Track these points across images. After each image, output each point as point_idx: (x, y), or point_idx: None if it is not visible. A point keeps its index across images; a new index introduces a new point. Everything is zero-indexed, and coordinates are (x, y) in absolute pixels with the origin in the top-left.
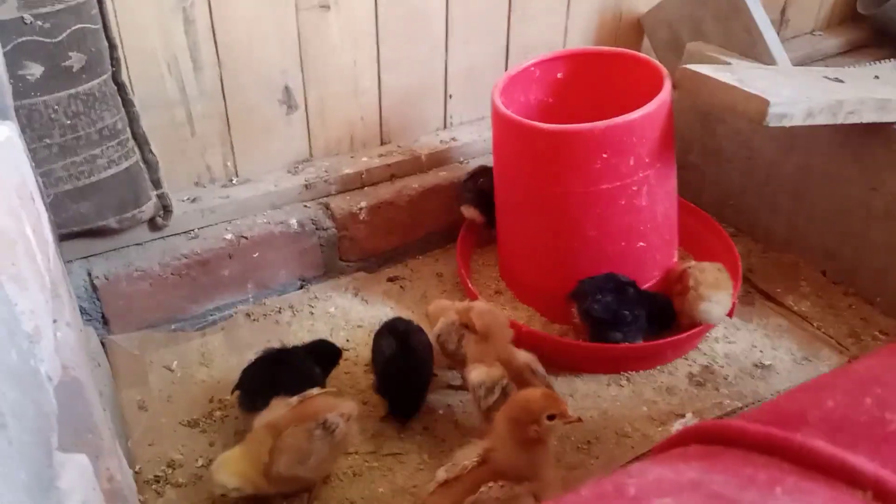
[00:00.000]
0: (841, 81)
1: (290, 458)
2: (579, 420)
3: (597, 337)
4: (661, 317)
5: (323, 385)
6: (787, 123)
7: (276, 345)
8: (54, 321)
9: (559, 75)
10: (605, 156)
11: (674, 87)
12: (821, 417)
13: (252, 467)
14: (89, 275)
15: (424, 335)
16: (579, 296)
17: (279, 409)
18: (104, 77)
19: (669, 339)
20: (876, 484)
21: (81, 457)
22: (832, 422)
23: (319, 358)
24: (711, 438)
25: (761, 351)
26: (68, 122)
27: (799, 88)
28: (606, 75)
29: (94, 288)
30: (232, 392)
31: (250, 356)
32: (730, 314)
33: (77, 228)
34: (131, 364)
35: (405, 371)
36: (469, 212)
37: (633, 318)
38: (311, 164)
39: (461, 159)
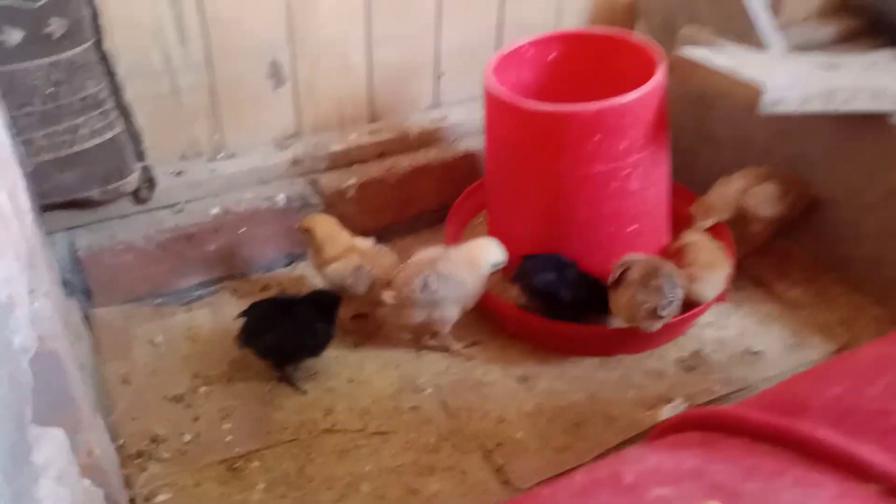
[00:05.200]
0: (836, 69)
1: None
2: None
3: (540, 311)
4: (597, 302)
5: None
6: (780, 110)
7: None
8: (31, 291)
9: (552, 56)
10: (597, 138)
11: (668, 71)
12: (824, 405)
13: None
14: (72, 246)
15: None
16: (519, 275)
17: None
18: (87, 45)
19: None
20: (886, 478)
21: (58, 431)
22: (837, 410)
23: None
24: (710, 425)
25: (751, 337)
26: (49, 90)
27: (793, 75)
28: (600, 57)
29: (78, 260)
30: (235, 318)
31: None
32: (722, 299)
33: (59, 199)
34: (115, 337)
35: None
36: None
37: (571, 301)
38: (300, 140)
39: (452, 139)
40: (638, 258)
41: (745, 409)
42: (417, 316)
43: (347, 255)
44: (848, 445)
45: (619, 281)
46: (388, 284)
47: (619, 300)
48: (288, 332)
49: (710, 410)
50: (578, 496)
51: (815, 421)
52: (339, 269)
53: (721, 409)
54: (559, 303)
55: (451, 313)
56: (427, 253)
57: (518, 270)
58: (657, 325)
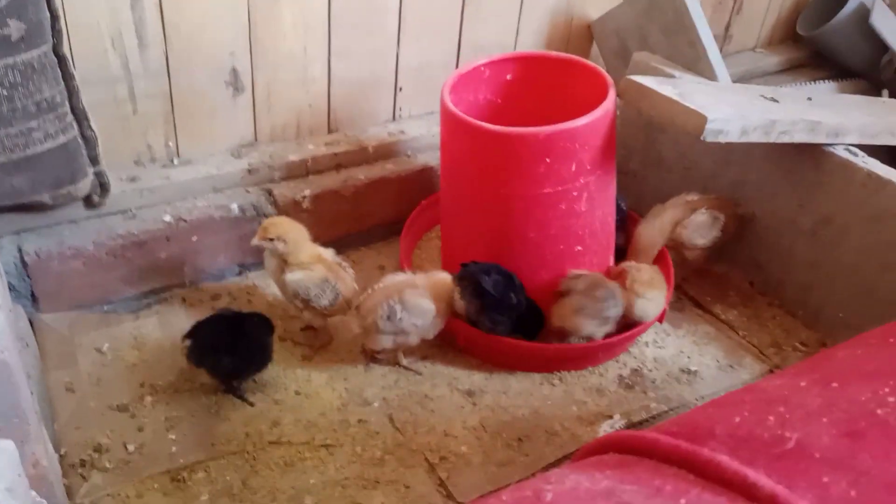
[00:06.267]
0: (776, 101)
1: None
2: None
3: (479, 317)
4: (530, 322)
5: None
6: (722, 139)
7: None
8: None
9: (508, 77)
10: (547, 160)
11: (618, 96)
12: (727, 432)
13: None
14: (20, 251)
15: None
16: (467, 275)
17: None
18: (44, 48)
19: (603, 341)
20: (770, 499)
21: (8, 443)
22: (737, 437)
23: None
24: (627, 448)
25: (688, 357)
26: (4, 92)
27: (736, 106)
28: (555, 80)
29: (25, 264)
30: (182, 339)
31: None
32: (661, 319)
33: (9, 202)
34: (60, 345)
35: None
36: None
37: (517, 303)
38: (256, 149)
39: (408, 153)
40: (585, 273)
41: (657, 434)
42: (382, 342)
43: (312, 263)
44: (740, 469)
45: (565, 293)
46: (348, 305)
47: (562, 309)
48: (242, 351)
49: (627, 434)
50: None
51: (716, 447)
52: (304, 280)
53: (637, 432)
54: (503, 304)
55: (413, 340)
56: (394, 279)
57: (463, 272)
58: (598, 335)
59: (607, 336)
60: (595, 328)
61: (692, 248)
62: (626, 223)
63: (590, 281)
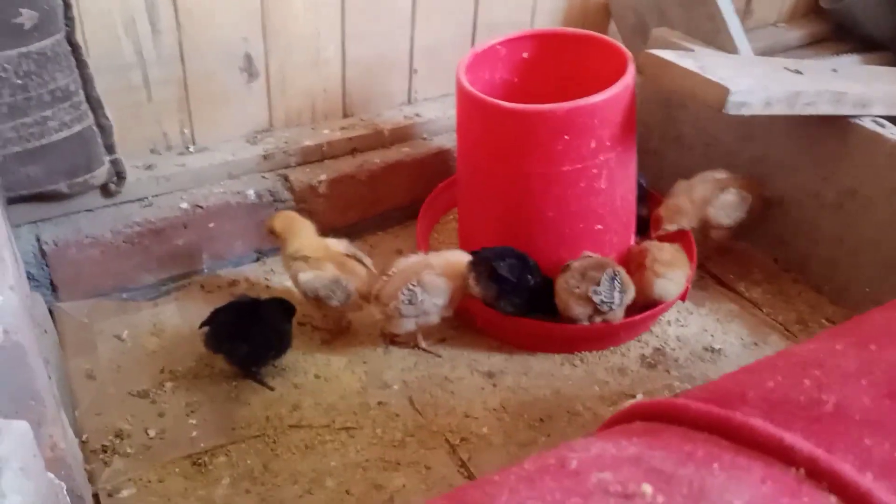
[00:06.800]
0: (800, 73)
1: None
2: None
3: (497, 302)
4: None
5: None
6: (745, 112)
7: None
8: None
9: (525, 55)
10: (566, 138)
11: (637, 71)
12: (760, 397)
13: None
14: (38, 240)
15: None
16: (482, 261)
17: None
18: (57, 36)
19: (624, 321)
20: (809, 462)
21: (22, 423)
22: (771, 401)
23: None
24: (654, 415)
25: (712, 335)
26: (19, 81)
27: (758, 78)
28: (572, 57)
29: (43, 254)
30: (200, 327)
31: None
32: (683, 298)
33: (26, 192)
34: (80, 332)
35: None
36: None
37: (533, 285)
38: (271, 135)
39: (424, 136)
40: (597, 256)
41: (687, 401)
42: (405, 326)
43: (322, 261)
44: (776, 433)
45: (565, 268)
46: (367, 296)
47: (558, 284)
48: (259, 338)
49: (654, 401)
50: (526, 481)
51: (749, 411)
52: (314, 281)
53: (665, 400)
54: (520, 288)
55: (434, 320)
56: (408, 262)
57: (476, 258)
58: (583, 318)
59: (628, 316)
60: (580, 311)
61: (717, 228)
62: (646, 201)
63: (590, 262)
